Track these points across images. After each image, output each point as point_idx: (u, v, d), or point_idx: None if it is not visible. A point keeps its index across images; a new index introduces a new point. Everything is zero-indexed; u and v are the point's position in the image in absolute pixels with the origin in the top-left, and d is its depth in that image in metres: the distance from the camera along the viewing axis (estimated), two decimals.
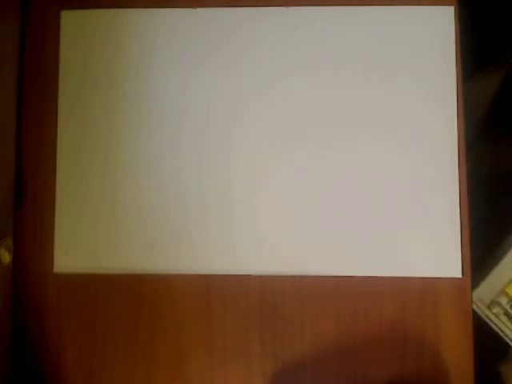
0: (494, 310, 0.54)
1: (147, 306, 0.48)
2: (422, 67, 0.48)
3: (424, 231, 0.47)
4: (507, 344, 0.55)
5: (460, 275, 0.47)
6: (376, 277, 0.47)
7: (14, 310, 0.48)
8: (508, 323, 0.55)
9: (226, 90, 0.49)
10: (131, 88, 0.50)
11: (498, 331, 0.55)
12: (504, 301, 0.54)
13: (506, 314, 0.54)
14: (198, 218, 0.48)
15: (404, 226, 0.47)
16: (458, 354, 0.46)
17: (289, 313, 0.47)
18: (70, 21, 0.51)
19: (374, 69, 0.49)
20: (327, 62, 0.49)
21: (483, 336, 0.50)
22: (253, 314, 0.48)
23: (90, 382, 0.48)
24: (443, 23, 0.49)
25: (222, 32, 0.50)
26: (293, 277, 0.48)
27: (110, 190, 0.49)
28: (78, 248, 0.49)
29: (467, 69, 0.49)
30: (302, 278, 0.48)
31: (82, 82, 0.50)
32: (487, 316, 0.54)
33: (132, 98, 0.50)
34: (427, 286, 0.47)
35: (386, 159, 0.48)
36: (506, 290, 0.54)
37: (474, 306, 0.53)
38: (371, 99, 0.48)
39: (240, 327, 0.47)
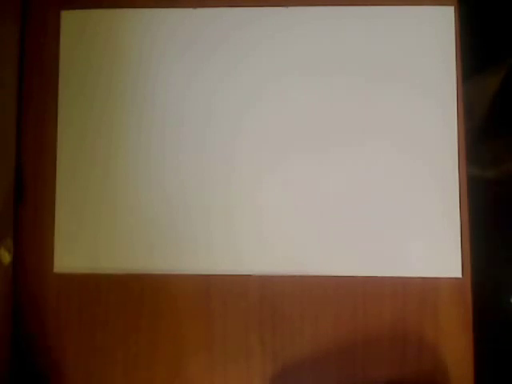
0: None
1: (147, 305, 0.48)
2: (421, 67, 0.49)
3: (424, 231, 0.47)
4: None
5: (460, 275, 0.47)
6: (376, 277, 0.47)
7: (14, 310, 0.48)
8: None
9: (226, 89, 0.49)
10: (131, 88, 0.50)
11: None
12: None
13: None
14: (198, 217, 0.48)
15: (404, 226, 0.47)
16: (458, 353, 0.46)
17: (289, 313, 0.47)
18: (70, 21, 0.51)
19: (374, 68, 0.49)
20: (326, 63, 0.49)
21: None
22: (253, 313, 0.48)
23: (90, 382, 0.48)
24: (443, 23, 0.49)
25: (222, 32, 0.50)
26: (293, 277, 0.48)
27: (111, 190, 0.49)
28: (78, 248, 0.49)
29: (467, 69, 0.49)
30: (302, 278, 0.48)
31: (82, 82, 0.50)
32: None
33: (132, 98, 0.50)
34: (427, 286, 0.47)
35: (386, 159, 0.48)
36: None
37: None
38: (371, 99, 0.49)
39: (240, 327, 0.47)
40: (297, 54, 0.49)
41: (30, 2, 0.51)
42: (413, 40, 0.49)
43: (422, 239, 0.47)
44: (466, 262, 0.47)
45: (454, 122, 0.48)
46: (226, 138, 0.49)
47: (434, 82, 0.48)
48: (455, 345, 0.46)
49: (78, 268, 0.49)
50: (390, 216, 0.48)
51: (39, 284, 0.49)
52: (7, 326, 0.48)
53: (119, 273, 0.48)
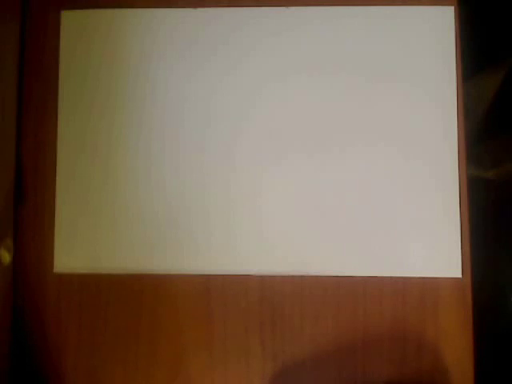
0: None
1: (147, 305, 0.48)
2: (421, 67, 0.48)
3: (424, 231, 0.47)
4: None
5: (460, 275, 0.47)
6: (376, 277, 0.47)
7: (14, 310, 0.48)
8: None
9: (226, 90, 0.49)
10: (131, 88, 0.50)
11: None
12: None
13: None
14: (198, 217, 0.48)
15: (404, 226, 0.47)
16: (458, 354, 0.46)
17: (289, 313, 0.47)
18: (70, 21, 0.51)
19: (374, 68, 0.49)
20: (326, 63, 0.49)
21: None
22: (253, 313, 0.48)
23: (90, 382, 0.48)
24: (443, 23, 0.49)
25: (222, 32, 0.50)
26: (293, 277, 0.48)
27: (111, 190, 0.49)
28: (78, 248, 0.49)
29: (467, 69, 0.49)
30: (302, 278, 0.48)
31: (82, 82, 0.50)
32: None
33: (132, 98, 0.50)
34: (427, 286, 0.47)
35: (386, 159, 0.48)
36: None
37: None
38: (370, 99, 0.49)
39: (240, 327, 0.47)
40: (297, 54, 0.49)
41: (30, 2, 0.51)
42: (413, 40, 0.49)
43: (421, 239, 0.47)
44: (466, 262, 0.47)
45: (454, 122, 0.48)
46: (226, 138, 0.49)
47: (434, 82, 0.48)
48: (455, 345, 0.46)
49: (78, 268, 0.49)
50: (390, 216, 0.48)
51: (39, 284, 0.49)
52: (7, 326, 0.48)
53: (119, 273, 0.48)
